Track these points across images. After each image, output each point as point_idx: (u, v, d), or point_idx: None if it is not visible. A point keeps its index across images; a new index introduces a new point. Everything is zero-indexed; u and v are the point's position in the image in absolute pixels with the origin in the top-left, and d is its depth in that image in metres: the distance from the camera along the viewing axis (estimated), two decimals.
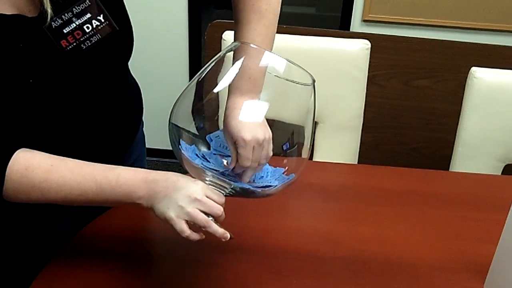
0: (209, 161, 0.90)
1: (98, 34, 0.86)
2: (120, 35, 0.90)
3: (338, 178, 1.32)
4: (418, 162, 2.29)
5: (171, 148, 0.88)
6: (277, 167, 0.93)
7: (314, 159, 1.69)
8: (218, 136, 0.93)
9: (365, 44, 1.64)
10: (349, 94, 1.67)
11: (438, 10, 2.25)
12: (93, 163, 0.83)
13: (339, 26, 2.36)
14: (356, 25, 2.33)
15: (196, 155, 0.90)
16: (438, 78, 2.17)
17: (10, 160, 0.79)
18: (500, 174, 1.59)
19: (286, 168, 0.92)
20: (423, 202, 1.21)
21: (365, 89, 1.68)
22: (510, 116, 1.54)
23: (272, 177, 0.92)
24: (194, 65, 2.63)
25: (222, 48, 1.68)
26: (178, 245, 1.00)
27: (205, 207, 0.80)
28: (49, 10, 0.81)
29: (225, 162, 0.91)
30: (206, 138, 0.92)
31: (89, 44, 0.85)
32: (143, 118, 1.20)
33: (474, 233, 1.11)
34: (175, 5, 2.45)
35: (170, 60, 2.61)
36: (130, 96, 1.11)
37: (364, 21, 2.30)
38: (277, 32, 1.77)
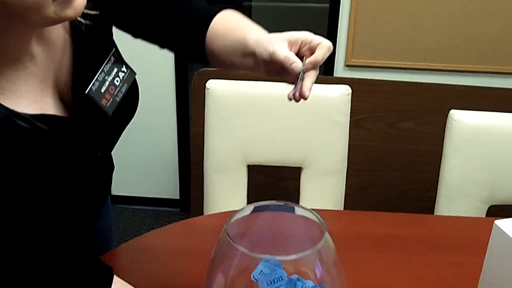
0: None
1: (125, 84, 0.94)
2: (135, 80, 0.97)
3: None
4: (407, 204, 2.28)
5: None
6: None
7: None
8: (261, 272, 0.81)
9: (346, 89, 1.66)
10: (332, 139, 1.68)
11: (419, 54, 2.29)
12: None
13: (323, 71, 2.40)
14: (339, 70, 2.36)
15: None
16: (422, 120, 2.20)
17: None
18: (484, 216, 1.58)
19: None
20: (406, 247, 1.21)
21: (348, 134, 1.69)
22: (492, 157, 1.55)
23: None
24: (182, 114, 2.65)
25: (206, 97, 1.70)
26: None
27: None
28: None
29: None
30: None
31: (121, 95, 0.93)
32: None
33: (458, 278, 1.10)
34: (162, 55, 2.49)
35: (157, 109, 2.64)
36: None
37: (347, 66, 2.34)
38: (262, 79, 1.79)
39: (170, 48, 1.03)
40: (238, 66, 0.95)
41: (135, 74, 0.95)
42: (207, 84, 1.68)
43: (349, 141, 1.71)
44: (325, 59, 0.85)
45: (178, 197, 2.85)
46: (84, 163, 0.89)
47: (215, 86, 1.67)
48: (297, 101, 0.84)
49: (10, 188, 0.77)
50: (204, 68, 2.16)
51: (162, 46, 1.02)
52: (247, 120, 1.68)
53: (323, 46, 0.86)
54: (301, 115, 1.66)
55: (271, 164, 1.73)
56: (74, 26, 0.89)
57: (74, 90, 0.88)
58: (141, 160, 2.78)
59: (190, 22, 0.98)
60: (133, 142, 2.70)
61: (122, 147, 3.08)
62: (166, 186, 2.84)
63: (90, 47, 0.90)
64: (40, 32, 0.85)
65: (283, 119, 1.68)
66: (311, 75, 0.86)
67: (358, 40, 2.28)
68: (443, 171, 1.59)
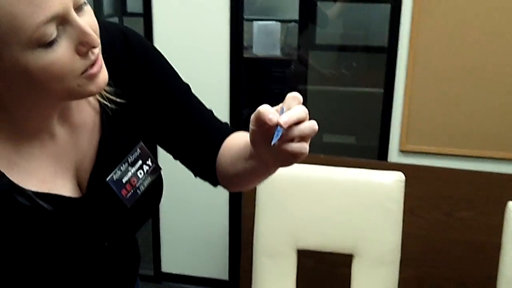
0: None
1: (149, 177, 0.92)
2: (160, 175, 0.96)
3: None
4: None
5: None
6: None
7: None
8: None
9: (400, 176, 1.64)
10: (385, 226, 1.64)
11: (476, 141, 2.25)
12: None
13: (377, 156, 2.38)
14: (393, 155, 2.34)
15: None
16: (479, 209, 2.12)
17: None
18: None
19: None
20: None
21: (401, 222, 1.65)
22: None
23: None
24: (234, 194, 2.66)
25: None
26: None
27: None
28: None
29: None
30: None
31: (143, 188, 0.92)
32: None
33: None
34: None
35: (210, 188, 2.66)
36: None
37: (402, 151, 2.32)
38: (314, 162, 1.80)
39: (182, 161, 1.02)
40: (243, 173, 0.92)
41: (161, 169, 0.95)
42: None
43: (403, 229, 1.67)
44: (296, 109, 0.76)
45: (227, 278, 2.82)
46: (88, 249, 0.87)
47: None
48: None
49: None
50: None
51: (175, 157, 1.02)
52: (298, 203, 1.67)
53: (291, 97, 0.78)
54: (353, 201, 1.64)
55: (321, 250, 1.69)
56: (104, 113, 0.90)
57: (93, 176, 0.88)
58: (191, 238, 2.78)
59: (207, 140, 0.98)
60: (184, 219, 2.72)
61: (173, 224, 3.11)
62: (216, 266, 2.82)
63: (118, 136, 0.91)
64: (64, 113, 0.85)
65: (334, 204, 1.67)
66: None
67: (412, 125, 2.27)
68: (502, 263, 1.51)
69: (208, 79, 2.44)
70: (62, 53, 0.71)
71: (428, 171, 2.15)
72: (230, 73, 2.44)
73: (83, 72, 0.75)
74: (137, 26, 4.83)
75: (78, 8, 0.73)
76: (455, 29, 2.16)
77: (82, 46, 0.73)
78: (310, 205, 1.67)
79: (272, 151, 0.77)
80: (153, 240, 2.80)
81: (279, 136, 0.74)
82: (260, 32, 4.42)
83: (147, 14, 2.43)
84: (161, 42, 2.43)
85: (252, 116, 0.76)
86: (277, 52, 4.46)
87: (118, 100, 0.89)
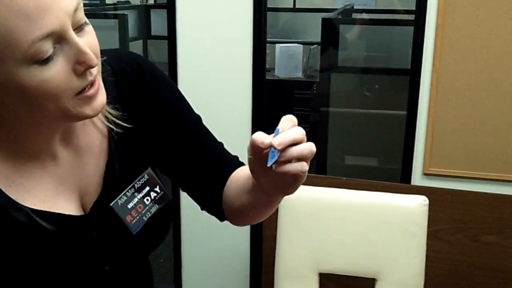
0: None
1: (156, 205, 0.91)
2: (169, 203, 0.95)
3: None
4: None
5: None
6: None
7: None
8: None
9: (424, 200, 1.62)
10: (409, 250, 1.62)
11: (502, 164, 2.22)
12: None
13: (400, 179, 2.35)
14: (417, 178, 2.31)
15: None
16: (505, 234, 2.07)
17: None
18: None
19: None
20: None
21: (425, 246, 1.63)
22: None
23: None
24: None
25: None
26: None
27: None
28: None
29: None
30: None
31: (149, 215, 0.90)
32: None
33: None
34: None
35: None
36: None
37: (425, 174, 2.29)
38: (337, 185, 1.79)
39: (189, 193, 1.01)
40: (247, 206, 0.91)
41: (169, 197, 0.94)
42: None
43: (426, 253, 1.65)
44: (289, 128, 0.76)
45: None
46: (87, 272, 0.86)
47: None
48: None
49: None
50: None
51: (183, 189, 1.01)
52: (321, 226, 1.66)
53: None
54: (376, 224, 1.63)
55: (343, 274, 1.68)
56: (112, 137, 0.89)
57: (98, 201, 0.87)
58: (213, 260, 2.77)
59: (214, 172, 0.97)
60: (206, 241, 2.72)
61: (194, 245, 3.11)
62: None
63: (125, 161, 0.90)
64: (67, 136, 0.85)
65: (357, 227, 1.65)
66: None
67: (436, 148, 2.25)
68: None
69: (231, 101, 2.46)
70: (58, 71, 0.70)
71: (452, 194, 2.12)
72: (252, 95, 2.46)
73: (79, 93, 0.74)
74: (161, 48, 4.92)
75: (79, 28, 0.73)
76: (479, 51, 2.14)
77: (79, 66, 0.72)
78: (332, 228, 1.66)
79: (271, 178, 0.76)
80: (174, 261, 2.79)
81: (275, 158, 0.72)
82: (282, 54, 4.45)
83: (171, 37, 2.46)
84: (185, 64, 2.46)
85: (248, 145, 0.75)
86: (299, 74, 4.49)
87: (124, 124, 0.89)
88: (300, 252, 1.67)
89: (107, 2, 5.33)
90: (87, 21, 0.76)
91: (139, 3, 5.24)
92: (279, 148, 0.71)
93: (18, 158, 0.80)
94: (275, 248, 1.72)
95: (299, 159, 0.74)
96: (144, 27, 4.88)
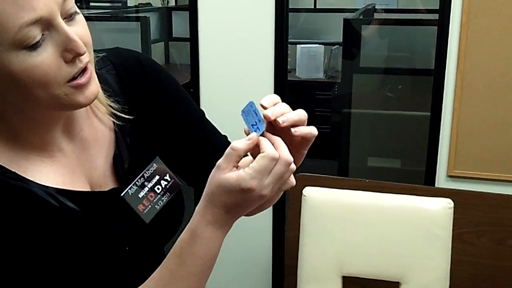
0: None
1: (168, 193, 0.91)
2: (182, 191, 0.95)
3: None
4: None
5: None
6: None
7: None
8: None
9: (448, 203, 1.60)
10: (433, 253, 1.60)
11: None
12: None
13: (424, 181, 2.33)
14: (441, 180, 2.28)
15: None
16: None
17: None
18: None
19: None
20: None
21: (450, 249, 1.61)
22: None
23: None
24: (278, 216, 2.65)
25: (302, 203, 1.70)
26: None
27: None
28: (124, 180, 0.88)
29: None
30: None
31: (161, 204, 0.90)
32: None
33: None
34: None
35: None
36: None
37: (449, 176, 2.26)
38: (359, 188, 1.77)
39: (195, 188, 1.01)
40: None
41: (181, 185, 0.94)
42: (303, 191, 1.69)
43: (451, 256, 1.62)
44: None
45: None
46: (108, 251, 0.86)
47: (312, 194, 1.67)
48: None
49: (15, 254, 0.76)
50: (302, 173, 2.18)
51: (188, 183, 1.01)
52: (344, 229, 1.65)
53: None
54: (400, 227, 1.61)
55: (367, 277, 1.66)
56: (118, 130, 0.90)
57: (109, 192, 0.88)
58: (234, 262, 2.77)
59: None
60: (227, 242, 2.72)
61: None
62: None
63: (133, 152, 0.91)
64: (71, 129, 0.86)
65: (381, 230, 1.64)
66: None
67: (461, 150, 2.22)
68: None
69: None
70: (46, 57, 0.72)
71: (477, 197, 2.09)
72: None
73: (70, 81, 0.75)
74: (182, 50, 4.93)
75: (69, 17, 0.75)
76: (505, 51, 2.11)
77: (67, 53, 0.73)
78: (356, 230, 1.65)
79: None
80: None
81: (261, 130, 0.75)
82: (304, 55, 4.44)
83: (193, 38, 2.47)
84: (207, 66, 2.47)
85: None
86: (320, 75, 4.47)
87: (126, 116, 0.90)
88: (323, 255, 1.66)
89: (128, 5, 5.37)
90: (78, 10, 0.77)
91: (161, 5, 5.27)
92: (271, 117, 0.75)
93: (25, 150, 0.82)
94: (297, 251, 1.71)
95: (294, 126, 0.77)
96: (166, 29, 4.90)
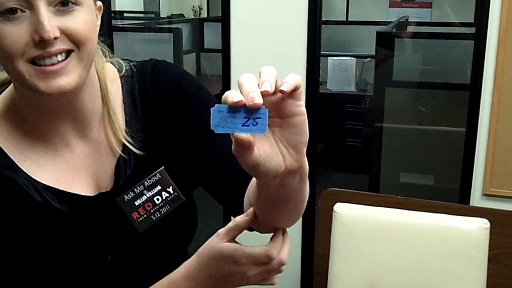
0: None
1: (167, 206, 0.90)
2: (186, 207, 0.93)
3: None
4: None
5: None
6: None
7: None
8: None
9: (484, 223, 1.55)
10: (468, 275, 1.55)
11: None
12: None
13: (458, 199, 2.27)
14: (476, 198, 2.22)
15: None
16: None
17: None
18: None
19: None
20: None
21: (486, 271, 1.55)
22: None
23: None
24: (307, 231, 2.62)
25: (333, 219, 1.67)
26: None
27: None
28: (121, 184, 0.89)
29: None
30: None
31: (159, 215, 0.89)
32: None
33: None
34: None
35: None
36: None
37: (485, 195, 2.20)
38: (391, 204, 1.73)
39: (217, 198, 0.98)
40: (260, 202, 0.83)
41: (183, 200, 0.91)
42: (334, 207, 1.66)
43: (487, 279, 1.57)
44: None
45: None
46: (88, 259, 0.85)
47: (343, 210, 1.64)
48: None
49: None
50: (332, 188, 2.14)
51: (211, 194, 0.98)
52: (375, 247, 1.61)
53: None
54: (434, 247, 1.57)
55: None
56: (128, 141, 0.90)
57: (107, 194, 0.88)
58: None
59: (236, 174, 0.91)
60: None
61: None
62: None
63: (139, 159, 0.90)
64: (82, 128, 0.88)
65: (414, 250, 1.59)
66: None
67: (497, 167, 2.15)
68: None
69: None
70: (17, 30, 0.75)
71: None
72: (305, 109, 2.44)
73: (34, 63, 0.77)
74: (214, 61, 4.96)
75: (61, 5, 0.77)
76: None
77: (35, 34, 0.75)
78: (388, 249, 1.61)
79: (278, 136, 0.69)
80: None
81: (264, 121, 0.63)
82: (335, 67, 4.41)
83: (225, 50, 2.47)
84: (238, 78, 2.47)
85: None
86: (351, 88, 4.43)
87: (136, 151, 0.89)
88: (354, 273, 1.62)
89: (161, 15, 5.42)
90: (80, 7, 0.78)
91: (193, 17, 5.31)
92: (272, 90, 0.65)
93: (30, 137, 0.84)
94: (327, 268, 1.68)
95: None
96: (198, 40, 4.94)
